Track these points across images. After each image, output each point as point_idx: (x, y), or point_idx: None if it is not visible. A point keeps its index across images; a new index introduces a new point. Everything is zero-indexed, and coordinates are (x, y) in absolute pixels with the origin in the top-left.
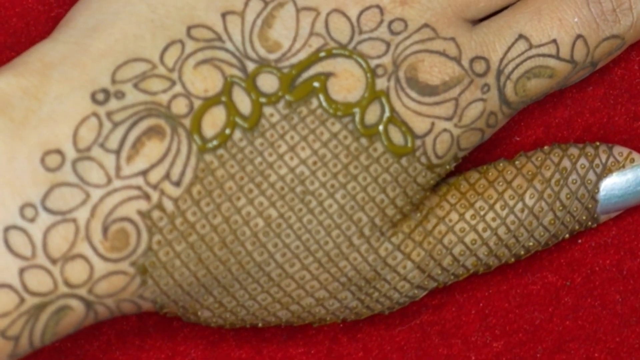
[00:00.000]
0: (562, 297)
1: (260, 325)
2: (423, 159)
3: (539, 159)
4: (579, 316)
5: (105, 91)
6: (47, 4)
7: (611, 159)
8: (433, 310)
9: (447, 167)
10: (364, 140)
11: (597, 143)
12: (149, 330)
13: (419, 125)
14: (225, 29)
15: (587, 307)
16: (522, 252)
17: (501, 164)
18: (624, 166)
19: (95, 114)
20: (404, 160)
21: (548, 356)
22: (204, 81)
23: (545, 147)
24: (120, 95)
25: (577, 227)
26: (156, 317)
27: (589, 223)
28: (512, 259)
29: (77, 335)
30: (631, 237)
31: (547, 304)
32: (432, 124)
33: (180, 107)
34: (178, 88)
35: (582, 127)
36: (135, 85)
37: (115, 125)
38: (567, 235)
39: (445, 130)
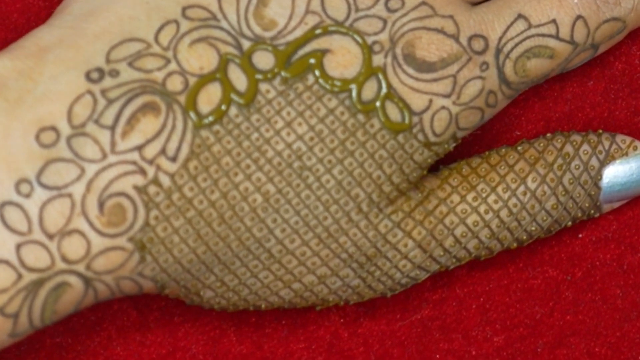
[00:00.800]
0: (562, 292)
1: (263, 307)
2: (420, 136)
3: (542, 144)
4: (580, 310)
5: (99, 70)
6: None
7: (614, 146)
8: (434, 305)
9: (446, 146)
10: (360, 117)
11: (600, 131)
12: (150, 325)
13: (417, 102)
14: (220, 8)
15: (588, 301)
16: (525, 237)
17: (503, 150)
18: (626, 154)
19: (89, 92)
20: (400, 137)
21: (549, 351)
22: (199, 59)
23: (548, 134)
24: (114, 73)
25: (579, 214)
26: (157, 313)
27: (592, 211)
28: (515, 244)
29: (78, 330)
30: (632, 232)
31: (547, 299)
32: (430, 100)
33: (175, 84)
34: (173, 66)
35: (583, 122)
36: (130, 64)
37: (110, 102)
38: (569, 223)
39: (443, 107)
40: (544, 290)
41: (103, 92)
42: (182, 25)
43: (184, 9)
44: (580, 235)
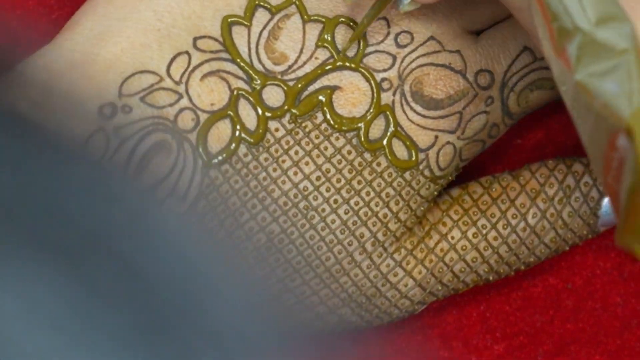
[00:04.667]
0: (563, 300)
1: None
2: (426, 172)
3: (543, 175)
4: (580, 319)
5: (112, 105)
6: (48, 6)
7: None
8: (434, 313)
9: (450, 177)
10: (367, 155)
11: None
12: None
13: (423, 138)
14: (232, 40)
15: (588, 309)
16: (523, 267)
17: (505, 179)
18: None
19: (102, 129)
20: (407, 174)
21: (549, 359)
22: (210, 94)
23: (550, 162)
24: (127, 109)
25: (577, 241)
26: None
27: (589, 236)
28: (512, 273)
29: None
30: None
31: (548, 307)
32: (436, 137)
33: (186, 121)
34: (184, 102)
35: None
36: (142, 99)
37: (123, 141)
38: (567, 249)
39: (448, 142)
40: (544, 299)
41: (116, 129)
42: (193, 57)
43: (195, 40)
44: (580, 244)
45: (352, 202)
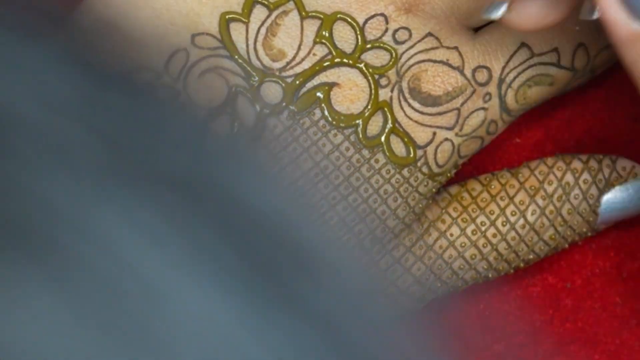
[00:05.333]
0: (562, 299)
1: None
2: (424, 169)
3: (542, 172)
4: (579, 318)
5: None
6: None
7: (614, 174)
8: (433, 312)
9: (448, 174)
10: (365, 152)
11: (601, 156)
12: None
13: (421, 135)
14: (230, 36)
15: (587, 309)
16: (522, 265)
17: (504, 177)
18: (626, 180)
19: None
20: (405, 171)
21: (548, 358)
22: (208, 91)
23: (549, 159)
24: None
25: (576, 238)
26: None
27: (589, 234)
28: (512, 271)
29: None
30: (631, 239)
31: (547, 306)
32: (434, 133)
33: None
34: (182, 99)
35: (583, 129)
36: None
37: None
38: (566, 246)
39: (446, 139)
40: (544, 298)
41: None
42: (191, 54)
43: (193, 37)
44: (579, 243)
45: (350, 198)
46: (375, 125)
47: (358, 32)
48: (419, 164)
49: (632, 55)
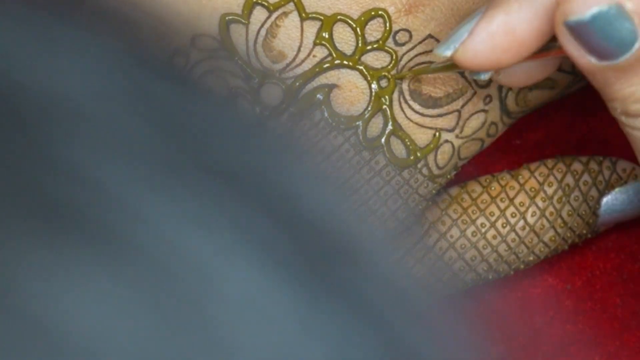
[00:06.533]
0: (562, 301)
1: None
2: (425, 171)
3: (542, 174)
4: (580, 320)
5: None
6: None
7: (614, 176)
8: None
9: (448, 176)
10: (365, 154)
11: (601, 158)
12: None
13: (421, 137)
14: (230, 38)
15: (588, 310)
16: (522, 266)
17: (504, 178)
18: (626, 182)
19: None
20: (405, 173)
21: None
22: None
23: (549, 161)
24: None
25: (577, 240)
26: None
27: (589, 235)
28: (512, 272)
29: None
30: (632, 241)
31: (547, 308)
32: (434, 135)
33: None
34: None
35: (583, 130)
36: None
37: None
38: (566, 248)
39: (447, 141)
40: (544, 299)
41: None
42: (191, 55)
43: (193, 38)
44: (580, 244)
45: (349, 200)
46: (375, 126)
47: (358, 34)
48: (419, 165)
49: (597, 83)
